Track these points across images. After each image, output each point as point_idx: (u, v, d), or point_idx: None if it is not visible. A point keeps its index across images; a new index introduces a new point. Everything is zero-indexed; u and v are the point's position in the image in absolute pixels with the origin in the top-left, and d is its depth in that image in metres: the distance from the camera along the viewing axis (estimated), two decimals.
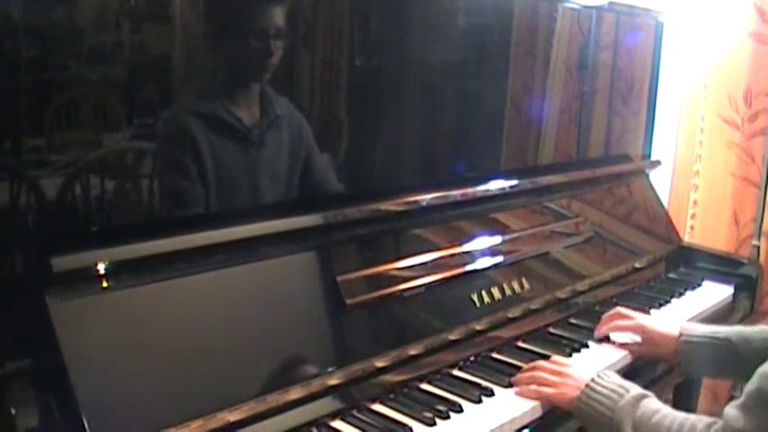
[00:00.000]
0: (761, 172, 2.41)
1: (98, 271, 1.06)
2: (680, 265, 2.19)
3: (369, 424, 1.20)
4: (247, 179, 1.32)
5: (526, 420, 1.29)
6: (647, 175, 2.37)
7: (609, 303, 1.84)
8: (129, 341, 1.06)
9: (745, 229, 2.46)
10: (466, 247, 1.59)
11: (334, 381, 1.23)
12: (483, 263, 1.60)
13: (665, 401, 1.27)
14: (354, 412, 1.23)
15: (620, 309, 1.63)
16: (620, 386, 1.26)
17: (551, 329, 1.65)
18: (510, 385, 1.35)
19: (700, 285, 2.05)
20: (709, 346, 1.48)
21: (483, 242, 1.64)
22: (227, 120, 1.28)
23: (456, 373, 1.40)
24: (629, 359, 1.55)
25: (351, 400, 1.25)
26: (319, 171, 1.43)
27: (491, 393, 1.32)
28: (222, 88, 1.28)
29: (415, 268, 1.46)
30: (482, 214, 1.71)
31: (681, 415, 1.19)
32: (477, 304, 1.53)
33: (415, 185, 1.56)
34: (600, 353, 1.55)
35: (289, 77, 1.36)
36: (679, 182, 2.63)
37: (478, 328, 1.51)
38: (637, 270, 2.04)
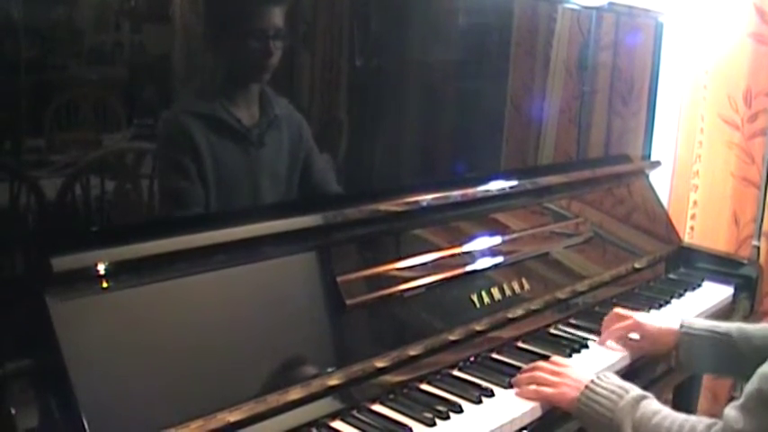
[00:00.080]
0: (761, 172, 2.41)
1: (98, 271, 1.06)
2: (680, 266, 2.19)
3: (369, 424, 1.20)
4: (247, 179, 1.32)
5: (526, 421, 1.29)
6: (647, 176, 2.37)
7: (609, 304, 1.84)
8: (129, 341, 1.06)
9: (744, 229, 2.46)
10: (466, 248, 1.59)
11: (334, 381, 1.23)
12: (483, 263, 1.60)
13: (665, 402, 1.27)
14: (354, 413, 1.23)
15: (617, 310, 1.63)
16: (620, 387, 1.26)
17: (551, 330, 1.65)
18: (510, 386, 1.35)
19: (700, 286, 2.05)
20: (710, 340, 1.48)
21: (483, 242, 1.64)
22: (226, 120, 1.28)
23: (456, 373, 1.40)
24: (628, 359, 1.55)
25: (351, 400, 1.25)
26: (319, 171, 1.43)
27: (491, 394, 1.32)
28: (222, 88, 1.28)
29: (415, 269, 1.46)
30: (482, 215, 1.71)
31: (681, 416, 1.19)
32: (477, 305, 1.53)
33: (415, 186, 1.56)
34: (600, 353, 1.56)
35: (288, 78, 1.36)
36: (679, 182, 2.63)
37: (478, 328, 1.51)
38: (637, 270, 2.04)
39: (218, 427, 1.07)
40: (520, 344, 1.56)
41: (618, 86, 2.21)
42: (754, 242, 2.42)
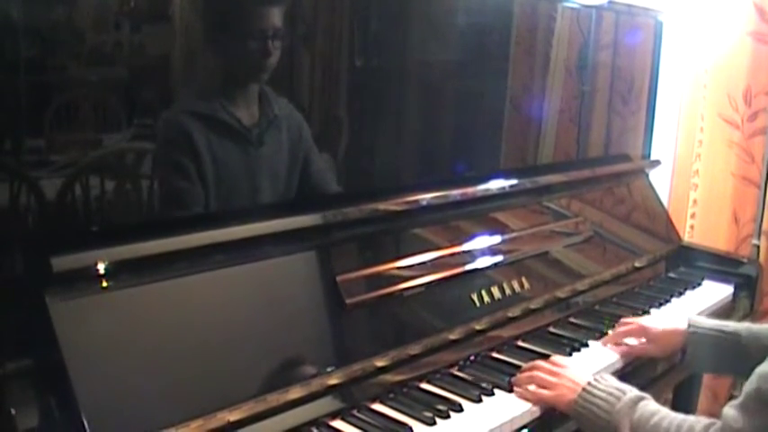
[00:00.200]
0: (761, 171, 2.41)
1: (98, 271, 1.06)
2: (680, 265, 2.19)
3: (369, 423, 1.20)
4: (247, 179, 1.32)
5: (526, 420, 1.29)
6: (647, 175, 2.37)
7: (609, 303, 1.84)
8: (128, 341, 1.06)
9: (744, 228, 2.46)
10: (465, 247, 1.59)
11: (333, 380, 1.23)
12: (483, 262, 1.60)
13: (665, 402, 1.27)
14: (354, 412, 1.23)
15: (623, 320, 1.63)
16: (618, 389, 1.26)
17: (551, 329, 1.65)
18: (510, 385, 1.35)
19: (700, 285, 2.05)
20: (717, 339, 1.48)
21: (483, 242, 1.64)
22: (226, 120, 1.28)
23: (456, 372, 1.40)
24: (628, 359, 1.55)
25: (351, 399, 1.25)
26: (319, 171, 1.43)
27: (491, 393, 1.32)
28: (222, 88, 1.28)
29: (414, 268, 1.46)
30: (482, 214, 1.71)
31: (679, 416, 1.19)
32: (477, 304, 1.53)
33: (415, 185, 1.57)
34: (600, 352, 1.55)
35: (288, 77, 1.36)
36: (679, 181, 2.63)
37: (478, 327, 1.51)
38: (637, 269, 2.04)
39: (218, 426, 1.07)
40: (520, 343, 1.56)
41: (618, 85, 2.21)
42: (754, 241, 2.42)
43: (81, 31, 1.10)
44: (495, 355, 1.49)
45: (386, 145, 1.57)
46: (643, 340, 1.56)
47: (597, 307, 1.81)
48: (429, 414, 1.23)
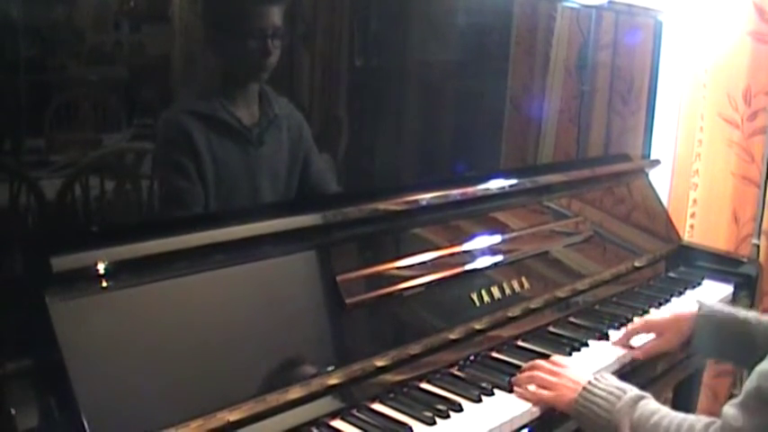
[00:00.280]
0: (760, 171, 2.40)
1: (98, 271, 1.06)
2: (680, 264, 2.19)
3: (369, 423, 1.20)
4: (247, 179, 1.32)
5: (526, 419, 1.29)
6: (647, 175, 2.37)
7: (609, 302, 1.84)
8: (128, 341, 1.06)
9: (744, 227, 2.46)
10: (465, 247, 1.59)
11: (333, 380, 1.23)
12: (483, 262, 1.60)
13: (665, 401, 1.27)
14: (354, 412, 1.23)
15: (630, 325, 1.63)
16: (618, 388, 1.26)
17: (551, 329, 1.65)
18: (510, 385, 1.35)
19: (700, 284, 2.05)
20: (726, 322, 1.48)
21: (483, 241, 1.64)
22: (226, 119, 1.28)
23: (456, 372, 1.40)
24: (628, 358, 1.55)
25: (351, 399, 1.25)
26: (319, 171, 1.43)
27: (491, 392, 1.32)
28: (222, 88, 1.28)
29: (414, 268, 1.46)
30: (482, 213, 1.71)
31: (679, 415, 1.19)
32: (477, 303, 1.53)
33: (415, 185, 1.57)
34: (600, 352, 1.55)
35: (288, 77, 1.36)
36: (679, 181, 2.63)
37: (478, 327, 1.51)
38: (637, 269, 2.04)
39: (217, 426, 1.07)
40: (520, 343, 1.56)
41: (617, 85, 2.21)
42: (754, 240, 2.42)
43: (81, 30, 1.10)
44: (494, 354, 1.49)
45: (386, 145, 1.57)
46: (652, 335, 1.56)
47: (597, 307, 1.81)
48: (429, 414, 1.23)
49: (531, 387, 1.33)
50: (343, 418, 1.21)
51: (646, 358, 1.55)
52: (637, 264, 2.05)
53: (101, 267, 1.06)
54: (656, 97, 2.40)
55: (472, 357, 1.46)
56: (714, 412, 1.18)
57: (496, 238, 1.67)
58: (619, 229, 2.12)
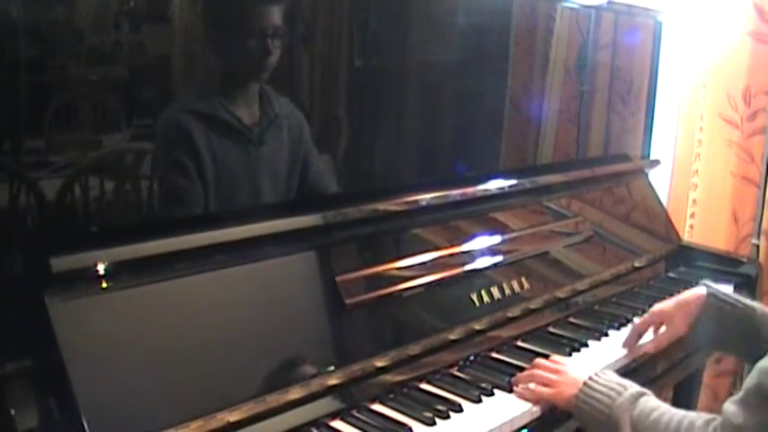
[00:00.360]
0: (760, 171, 2.40)
1: (97, 271, 1.06)
2: (679, 265, 2.19)
3: (368, 424, 1.20)
4: (247, 179, 1.32)
5: (526, 420, 1.29)
6: (647, 175, 2.37)
7: (608, 303, 1.84)
8: (128, 341, 1.06)
9: (744, 227, 2.46)
10: (465, 247, 1.59)
11: (333, 381, 1.23)
12: (482, 262, 1.60)
13: (665, 401, 1.26)
14: (354, 412, 1.23)
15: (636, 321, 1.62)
16: (618, 384, 1.26)
17: (551, 329, 1.65)
18: (510, 385, 1.35)
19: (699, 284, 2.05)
20: (733, 308, 1.46)
21: (482, 242, 1.64)
22: (226, 119, 1.28)
23: (456, 372, 1.40)
24: (628, 358, 1.55)
25: (350, 400, 1.25)
26: (318, 172, 1.43)
27: (491, 393, 1.32)
28: (222, 88, 1.28)
29: (414, 268, 1.46)
30: (481, 214, 1.71)
31: (679, 412, 1.19)
32: (477, 304, 1.53)
33: (415, 185, 1.57)
34: (599, 352, 1.55)
35: (289, 77, 1.36)
36: (678, 181, 2.63)
37: (478, 327, 1.51)
38: (636, 269, 2.04)
39: (218, 427, 1.07)
40: (520, 343, 1.56)
41: (617, 85, 2.21)
42: (754, 240, 2.41)
43: (81, 30, 1.10)
44: (494, 355, 1.49)
45: (386, 145, 1.57)
46: (663, 329, 1.55)
47: (597, 307, 1.81)
48: (429, 414, 1.22)
49: (531, 386, 1.33)
50: (342, 419, 1.21)
51: (658, 350, 1.54)
52: (636, 264, 2.05)
53: (100, 268, 1.06)
54: (655, 97, 2.40)
55: (472, 358, 1.46)
56: (714, 412, 1.18)
57: (496, 239, 1.67)
58: (618, 230, 2.12)
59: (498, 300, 1.57)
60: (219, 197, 1.27)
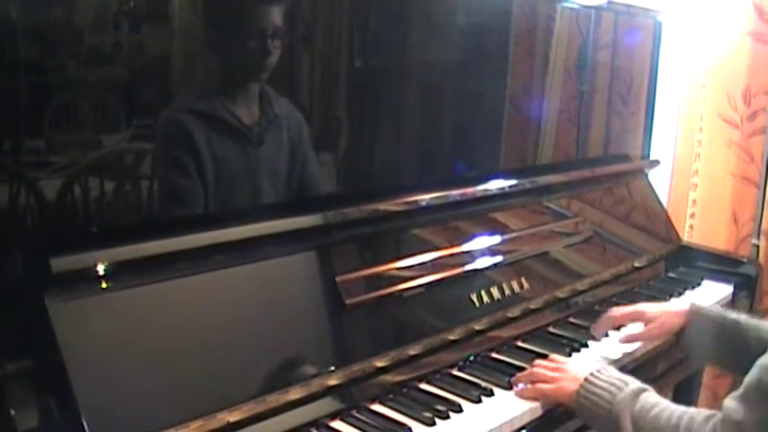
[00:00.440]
0: (760, 171, 2.40)
1: (97, 272, 1.06)
2: (679, 265, 2.19)
3: (368, 424, 1.20)
4: (247, 179, 1.32)
5: (526, 420, 1.29)
6: (647, 175, 2.37)
7: (608, 302, 1.84)
8: (128, 342, 1.06)
9: (744, 228, 2.46)
10: (465, 247, 1.59)
11: (333, 381, 1.23)
12: (482, 263, 1.60)
13: None
14: (354, 412, 1.23)
15: (616, 308, 1.62)
16: (619, 380, 1.26)
17: (551, 329, 1.65)
18: (509, 385, 1.35)
19: (699, 284, 2.05)
20: (718, 323, 1.46)
21: (482, 242, 1.64)
22: (226, 118, 1.28)
23: (455, 372, 1.40)
24: (628, 358, 1.55)
25: (350, 400, 1.25)
26: (313, 173, 1.42)
27: (491, 393, 1.32)
28: (222, 88, 1.28)
29: (414, 268, 1.46)
30: (481, 214, 1.71)
31: (680, 408, 1.19)
32: (477, 304, 1.53)
33: (415, 185, 1.57)
34: (599, 352, 1.55)
35: (289, 77, 1.36)
36: (678, 181, 2.63)
37: (478, 327, 1.51)
38: (636, 269, 2.04)
39: (218, 427, 1.07)
40: (519, 343, 1.56)
41: (617, 86, 2.21)
42: (754, 241, 2.41)
43: (80, 31, 1.10)
44: (494, 355, 1.49)
45: (385, 145, 1.57)
46: (641, 326, 1.55)
47: (597, 307, 1.81)
48: (428, 414, 1.23)
49: (531, 385, 1.33)
50: (342, 419, 1.21)
51: (626, 343, 1.54)
52: (636, 264, 2.05)
53: (100, 268, 1.06)
54: (655, 97, 2.40)
55: (472, 358, 1.46)
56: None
57: (496, 239, 1.67)
58: (618, 230, 2.12)
59: (498, 300, 1.57)
60: (219, 197, 1.27)
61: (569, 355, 1.51)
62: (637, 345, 1.57)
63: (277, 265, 1.29)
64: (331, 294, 1.32)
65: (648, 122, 2.39)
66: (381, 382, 1.30)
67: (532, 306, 1.65)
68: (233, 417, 1.09)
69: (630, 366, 1.55)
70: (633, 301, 1.86)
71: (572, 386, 1.29)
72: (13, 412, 0.96)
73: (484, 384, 1.34)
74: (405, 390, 1.32)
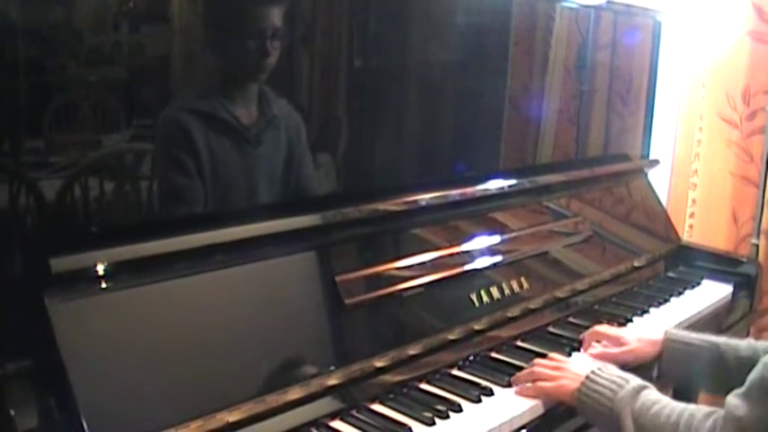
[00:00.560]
0: (759, 170, 2.41)
1: (97, 272, 1.06)
2: (679, 264, 2.19)
3: (368, 424, 1.20)
4: (247, 179, 1.32)
5: (525, 420, 1.29)
6: (646, 175, 2.37)
7: (608, 302, 1.84)
8: (127, 342, 1.06)
9: (743, 227, 2.46)
10: (465, 247, 1.59)
11: (333, 381, 1.23)
12: (482, 262, 1.60)
13: None
14: (354, 412, 1.23)
15: (597, 327, 1.59)
16: (620, 377, 1.27)
17: (551, 329, 1.65)
18: (509, 385, 1.35)
19: (699, 284, 2.05)
20: (696, 348, 1.45)
21: (482, 242, 1.64)
22: (225, 118, 1.28)
23: (455, 372, 1.40)
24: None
25: (350, 400, 1.25)
26: (308, 174, 1.42)
27: (490, 393, 1.32)
28: (221, 88, 1.28)
29: (413, 268, 1.46)
30: (481, 214, 1.71)
31: (680, 405, 1.19)
32: (477, 304, 1.53)
33: (414, 185, 1.57)
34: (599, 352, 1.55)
35: (288, 77, 1.36)
36: (678, 181, 2.63)
37: (477, 327, 1.51)
38: (636, 269, 2.04)
39: (217, 427, 1.07)
40: (519, 343, 1.56)
41: (616, 85, 2.21)
42: (753, 240, 2.42)
43: (80, 31, 1.10)
44: (494, 355, 1.49)
45: (385, 145, 1.57)
46: (616, 350, 1.51)
47: (596, 307, 1.81)
48: (428, 414, 1.23)
49: (531, 384, 1.33)
50: (342, 419, 1.21)
51: (596, 358, 1.49)
52: (636, 264, 2.05)
53: (100, 268, 1.06)
54: (655, 97, 2.40)
55: (471, 358, 1.46)
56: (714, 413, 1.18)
57: (496, 239, 1.67)
58: (618, 229, 2.12)
59: (498, 300, 1.57)
60: (219, 197, 1.27)
61: (569, 354, 1.51)
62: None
63: (277, 264, 1.29)
64: (331, 294, 1.32)
65: (648, 122, 2.39)
66: (381, 382, 1.30)
67: (532, 306, 1.65)
68: (232, 417, 1.09)
69: (629, 366, 1.54)
70: (633, 300, 1.87)
71: (573, 384, 1.29)
72: (12, 412, 0.96)
73: (484, 384, 1.34)
74: (404, 389, 1.32)
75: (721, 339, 1.45)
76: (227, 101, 1.28)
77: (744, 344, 1.41)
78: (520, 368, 1.40)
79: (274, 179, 1.36)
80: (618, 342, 1.52)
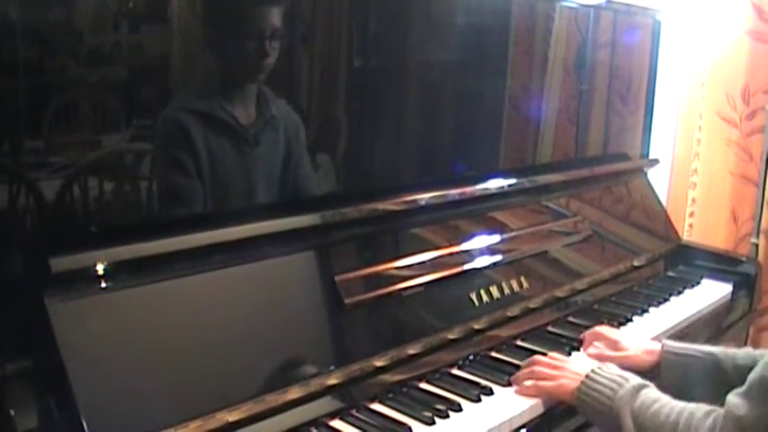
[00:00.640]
0: (759, 170, 2.41)
1: (96, 271, 1.06)
2: (679, 264, 2.20)
3: (368, 423, 1.20)
4: (246, 179, 1.32)
5: (525, 419, 1.29)
6: (646, 174, 2.37)
7: (608, 302, 1.84)
8: (127, 341, 1.06)
9: (743, 227, 2.46)
10: (464, 246, 1.59)
11: (333, 380, 1.24)
12: (481, 262, 1.60)
13: None
14: (353, 412, 1.23)
15: (598, 328, 1.58)
16: (620, 376, 1.27)
17: (550, 328, 1.65)
18: (509, 384, 1.35)
19: (699, 283, 2.05)
20: (694, 359, 1.43)
21: (481, 241, 1.64)
22: (224, 118, 1.28)
23: (455, 372, 1.40)
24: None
25: (350, 399, 1.25)
26: (306, 175, 1.42)
27: (490, 392, 1.32)
28: (220, 88, 1.28)
29: (413, 267, 1.46)
30: (480, 213, 1.71)
31: (680, 404, 1.19)
32: (476, 303, 1.53)
33: (414, 185, 1.57)
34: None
35: (286, 77, 1.36)
36: (677, 180, 2.63)
37: (477, 327, 1.51)
38: (635, 268, 2.04)
39: (217, 427, 1.07)
40: (519, 342, 1.56)
41: (616, 85, 2.21)
42: (753, 240, 2.42)
43: (80, 31, 1.10)
44: (494, 354, 1.49)
45: (384, 145, 1.57)
46: (614, 354, 1.50)
47: (596, 306, 1.81)
48: (428, 414, 1.23)
49: (531, 383, 1.33)
50: (342, 419, 1.21)
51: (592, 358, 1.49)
52: (636, 263, 2.05)
53: (100, 268, 1.06)
54: (654, 96, 2.40)
55: (471, 357, 1.46)
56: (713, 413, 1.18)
57: (495, 238, 1.67)
58: (618, 229, 2.12)
59: (497, 299, 1.57)
60: (218, 197, 1.28)
61: (569, 354, 1.51)
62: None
63: (276, 264, 1.29)
64: (330, 294, 1.32)
65: (647, 121, 2.39)
66: (381, 382, 1.30)
67: (532, 305, 1.65)
68: (232, 416, 1.09)
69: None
70: (633, 300, 1.87)
71: (573, 383, 1.29)
72: (12, 412, 0.96)
73: (483, 383, 1.35)
74: (404, 389, 1.32)
75: (719, 349, 1.44)
76: (226, 101, 1.28)
77: (741, 353, 1.41)
78: (520, 367, 1.40)
79: (273, 179, 1.36)
80: (615, 346, 1.51)
